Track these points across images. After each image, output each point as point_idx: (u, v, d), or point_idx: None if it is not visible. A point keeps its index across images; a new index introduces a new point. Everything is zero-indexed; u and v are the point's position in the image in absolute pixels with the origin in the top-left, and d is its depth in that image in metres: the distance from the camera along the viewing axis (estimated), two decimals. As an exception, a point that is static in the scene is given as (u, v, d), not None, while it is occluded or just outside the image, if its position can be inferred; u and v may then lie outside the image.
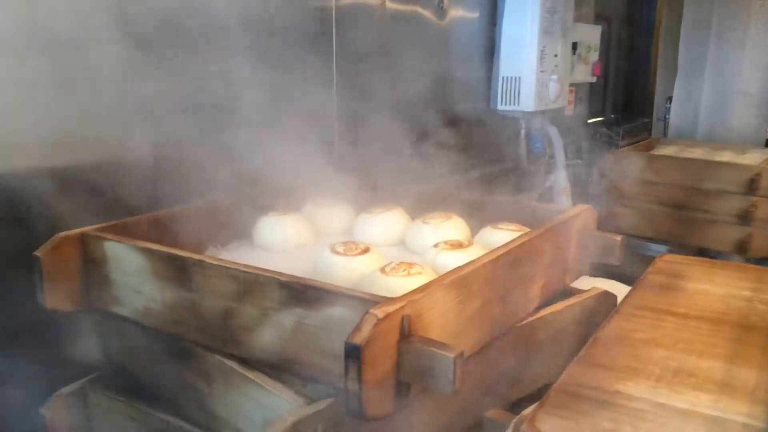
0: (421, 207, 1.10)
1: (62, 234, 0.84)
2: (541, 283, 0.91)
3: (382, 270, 0.82)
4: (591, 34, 2.20)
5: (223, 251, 1.02)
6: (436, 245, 0.93)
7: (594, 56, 2.23)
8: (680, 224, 2.13)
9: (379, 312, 0.60)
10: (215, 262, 0.75)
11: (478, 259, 0.77)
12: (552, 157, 2.05)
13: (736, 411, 0.60)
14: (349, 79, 1.36)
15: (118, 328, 0.86)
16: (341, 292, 0.67)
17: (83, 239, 0.85)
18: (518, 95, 1.82)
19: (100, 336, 0.88)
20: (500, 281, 0.80)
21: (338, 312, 0.66)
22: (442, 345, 0.62)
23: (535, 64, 1.79)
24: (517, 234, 0.93)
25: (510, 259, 0.82)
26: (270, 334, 0.72)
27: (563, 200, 2.05)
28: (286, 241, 1.03)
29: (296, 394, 0.69)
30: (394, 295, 0.65)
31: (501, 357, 0.83)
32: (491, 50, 1.85)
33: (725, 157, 2.27)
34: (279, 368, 0.72)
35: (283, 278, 0.70)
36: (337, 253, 0.89)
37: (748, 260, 2.02)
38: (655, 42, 2.92)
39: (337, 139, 1.35)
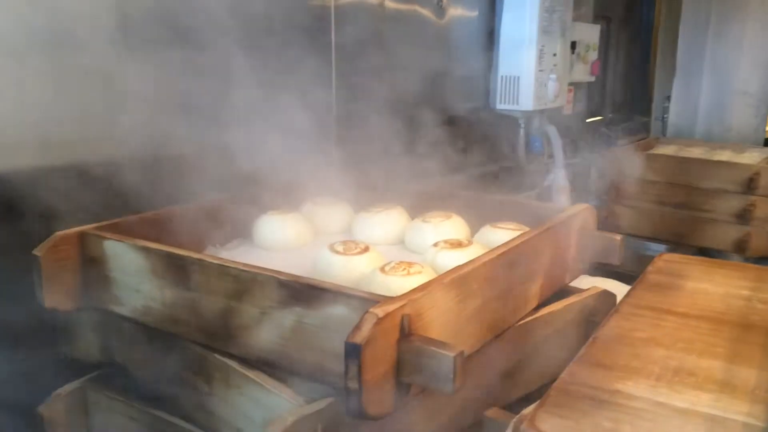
0: (420, 206, 1.10)
1: (61, 233, 0.84)
2: (541, 283, 0.91)
3: (382, 269, 0.82)
4: (590, 34, 2.20)
5: (222, 250, 1.02)
6: (435, 244, 0.93)
7: (593, 55, 2.23)
8: (679, 223, 2.13)
9: (379, 311, 0.60)
10: (215, 261, 0.75)
11: (478, 258, 0.77)
12: (551, 156, 2.05)
13: (736, 410, 0.59)
14: (347, 78, 1.36)
15: (118, 327, 0.86)
16: (341, 292, 0.67)
17: (82, 238, 0.85)
18: (517, 94, 1.82)
19: (99, 335, 0.88)
20: (500, 280, 0.80)
21: (338, 311, 0.66)
22: (442, 344, 0.62)
23: (534, 63, 1.79)
24: (517, 233, 0.93)
25: (510, 259, 0.82)
26: (270, 333, 0.71)
27: (562, 199, 2.05)
28: (285, 240, 1.03)
29: (296, 394, 0.69)
30: (393, 295, 0.65)
31: (500, 356, 0.83)
32: (490, 49, 1.85)
33: (724, 156, 2.27)
34: (279, 367, 0.72)
35: (282, 277, 0.70)
36: (337, 252, 0.89)
37: (747, 259, 2.02)
38: (654, 41, 2.92)
39: (335, 138, 1.35)
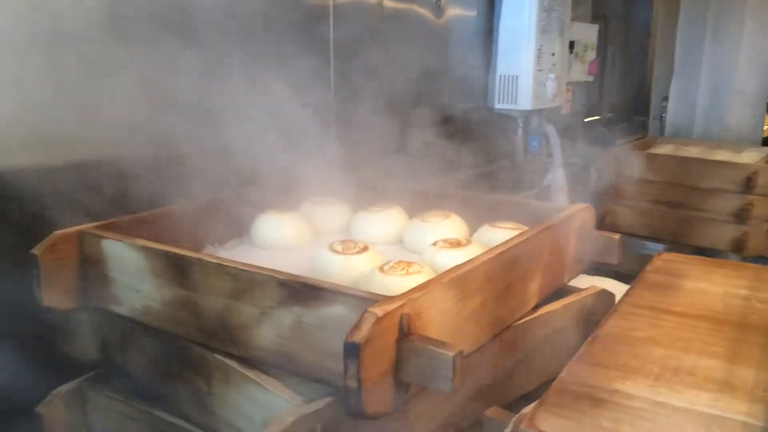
0: (419, 205, 1.10)
1: (60, 232, 0.83)
2: (540, 282, 0.91)
3: (381, 269, 0.82)
4: (588, 33, 2.20)
5: (220, 250, 1.02)
6: (434, 244, 0.93)
7: (591, 55, 2.23)
8: (677, 223, 2.14)
9: (379, 310, 0.60)
10: (214, 261, 0.75)
11: (477, 257, 0.77)
12: (549, 155, 2.05)
13: (735, 410, 0.60)
14: (346, 77, 1.36)
15: (116, 326, 0.86)
16: (340, 291, 0.67)
17: (81, 237, 0.85)
18: (515, 94, 1.82)
19: (97, 334, 0.88)
20: (499, 280, 0.80)
21: (337, 311, 0.66)
22: (441, 344, 0.62)
23: (532, 62, 1.79)
24: (516, 233, 0.93)
25: (508, 258, 0.82)
26: (269, 332, 0.71)
27: (560, 199, 2.05)
28: (284, 239, 1.03)
29: (295, 393, 0.68)
30: (392, 294, 0.65)
31: (499, 355, 0.83)
32: (489, 49, 1.85)
33: (722, 155, 2.27)
34: (278, 367, 0.72)
35: (281, 277, 0.70)
36: (336, 251, 0.89)
37: (745, 258, 2.02)
38: (652, 41, 2.92)
39: (334, 138, 1.35)
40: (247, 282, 0.72)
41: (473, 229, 1.05)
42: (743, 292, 0.86)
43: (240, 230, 1.06)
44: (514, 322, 0.85)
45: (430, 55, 1.64)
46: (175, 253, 0.78)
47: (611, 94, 2.73)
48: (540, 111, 1.92)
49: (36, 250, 0.81)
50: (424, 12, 1.60)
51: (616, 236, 1.00)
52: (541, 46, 1.80)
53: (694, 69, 2.64)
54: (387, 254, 0.92)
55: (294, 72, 1.17)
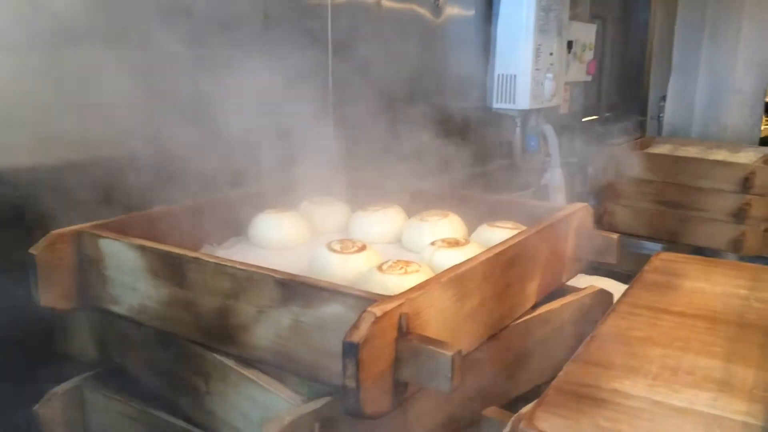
0: (417, 205, 1.10)
1: (57, 231, 0.83)
2: (538, 281, 0.90)
3: (379, 268, 0.82)
4: (586, 33, 2.20)
5: (218, 249, 1.01)
6: (432, 243, 0.93)
7: (589, 55, 2.23)
8: (674, 222, 2.14)
9: (377, 310, 0.60)
10: (211, 260, 0.75)
11: (476, 257, 0.77)
12: (547, 155, 2.05)
13: (735, 409, 0.60)
14: (344, 77, 1.36)
15: (114, 326, 0.85)
16: (339, 290, 0.66)
17: (78, 237, 0.84)
18: (514, 93, 1.82)
19: (95, 334, 0.88)
20: (497, 279, 0.80)
21: (336, 310, 0.66)
22: (440, 343, 0.62)
23: (530, 62, 1.79)
24: (514, 232, 0.93)
25: (507, 258, 0.82)
26: (267, 332, 0.71)
27: (558, 198, 2.05)
28: (282, 238, 1.03)
29: (293, 393, 0.68)
30: (391, 294, 0.65)
31: (498, 355, 0.83)
32: (487, 48, 1.85)
33: (719, 155, 2.28)
34: (276, 366, 0.72)
35: (279, 276, 0.70)
36: (334, 251, 0.89)
37: (742, 258, 2.02)
38: (650, 41, 2.92)
39: (332, 137, 1.35)
40: (245, 281, 0.72)
41: (471, 228, 1.05)
42: (742, 291, 0.86)
43: (238, 229, 1.06)
44: (513, 321, 0.85)
45: (428, 54, 1.64)
46: (172, 253, 0.77)
47: (609, 93, 2.73)
48: (538, 110, 1.92)
49: (33, 250, 0.81)
50: (423, 11, 1.59)
51: (615, 236, 1.00)
52: (539, 45, 1.80)
53: (691, 69, 2.64)
54: (385, 254, 0.92)
55: (292, 72, 1.17)
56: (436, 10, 1.64)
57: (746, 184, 1.99)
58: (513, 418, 0.60)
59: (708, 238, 2.10)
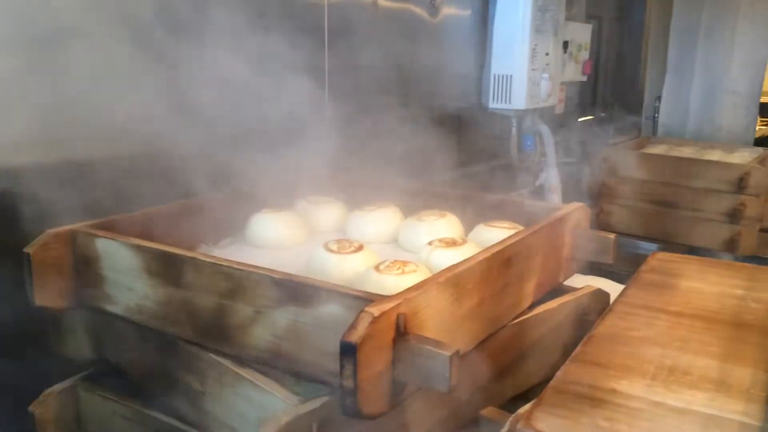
0: (414, 204, 1.10)
1: (52, 231, 0.83)
2: (535, 281, 0.90)
3: (377, 268, 0.82)
4: (582, 33, 2.20)
5: (214, 249, 1.01)
6: (430, 243, 0.93)
7: (585, 55, 2.23)
8: (670, 222, 2.14)
9: (375, 310, 0.60)
10: (208, 260, 0.75)
11: (473, 257, 0.77)
12: (543, 155, 2.05)
13: (732, 409, 0.60)
14: (340, 76, 1.36)
15: (110, 325, 0.85)
16: (336, 290, 0.66)
17: (74, 236, 0.84)
18: (510, 93, 1.82)
19: (91, 334, 0.87)
20: (495, 279, 0.80)
21: (333, 310, 0.66)
22: (438, 343, 0.62)
23: (526, 62, 1.79)
24: (511, 232, 0.93)
25: (504, 257, 0.82)
26: (264, 332, 0.71)
27: (554, 198, 2.06)
28: (278, 238, 1.03)
29: (290, 393, 0.68)
30: (388, 294, 0.65)
31: (495, 355, 0.83)
32: (483, 48, 1.85)
33: (714, 155, 2.28)
34: (273, 366, 0.71)
35: (277, 276, 0.69)
36: (331, 251, 0.88)
37: (737, 258, 2.03)
38: (645, 41, 2.92)
39: (328, 137, 1.34)
40: (243, 281, 0.71)
41: (468, 228, 1.04)
42: (738, 291, 0.86)
43: (234, 229, 1.05)
44: (510, 321, 0.85)
45: (424, 54, 1.64)
46: (169, 252, 0.77)
47: (604, 94, 2.73)
48: (534, 110, 1.92)
49: (29, 249, 0.80)
50: (419, 11, 1.59)
51: (612, 236, 1.00)
52: (535, 45, 1.80)
53: (686, 69, 2.65)
54: (382, 253, 0.92)
55: (288, 71, 1.17)
56: (433, 10, 1.64)
57: (741, 184, 2.00)
58: (511, 418, 0.60)
59: (703, 238, 2.10)
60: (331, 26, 1.33)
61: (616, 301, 0.84)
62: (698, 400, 0.61)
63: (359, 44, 1.39)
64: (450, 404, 0.76)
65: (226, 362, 0.73)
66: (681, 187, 2.11)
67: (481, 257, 0.77)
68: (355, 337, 0.58)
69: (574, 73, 2.19)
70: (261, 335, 0.71)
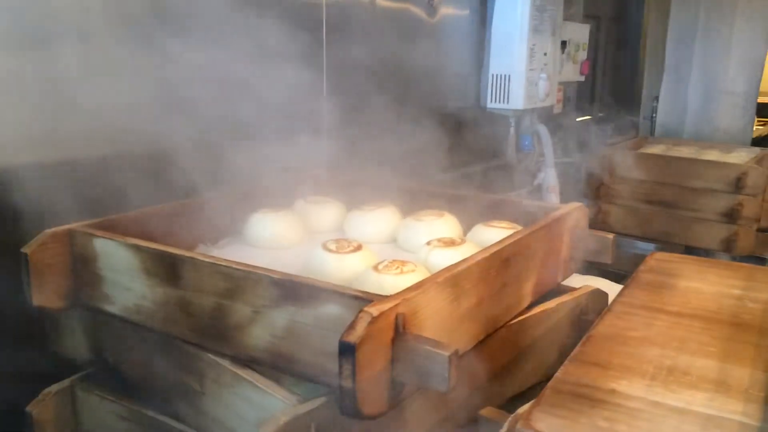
0: (412, 204, 1.10)
1: (50, 230, 0.82)
2: (534, 281, 0.90)
3: (375, 268, 0.82)
4: (580, 33, 2.20)
5: (213, 248, 1.01)
6: (428, 243, 0.93)
7: (582, 55, 2.23)
8: (667, 222, 2.14)
9: (374, 310, 0.60)
10: (206, 260, 0.74)
11: (472, 257, 0.77)
12: (541, 155, 2.05)
13: (731, 409, 0.60)
14: (339, 76, 1.35)
15: (108, 325, 0.85)
16: (335, 290, 0.66)
17: (72, 236, 0.84)
18: (508, 93, 1.82)
19: (89, 333, 0.87)
20: (493, 279, 0.80)
21: (332, 310, 0.66)
22: (437, 343, 0.62)
23: (524, 62, 1.79)
24: (509, 232, 0.93)
25: (503, 257, 0.82)
26: (262, 332, 0.71)
27: (552, 198, 2.06)
28: (277, 238, 1.03)
29: (289, 393, 0.68)
30: (387, 293, 0.65)
31: (494, 355, 0.83)
32: (481, 48, 1.85)
33: (712, 155, 2.28)
34: (272, 367, 0.71)
35: (276, 276, 0.69)
36: (330, 250, 0.88)
37: (734, 258, 2.03)
38: (643, 41, 2.93)
39: (327, 137, 1.34)
40: (241, 281, 0.71)
41: (467, 228, 1.04)
42: (737, 291, 0.86)
43: (233, 229, 1.05)
44: (509, 321, 0.85)
45: (422, 54, 1.64)
46: (167, 252, 0.77)
47: (602, 93, 2.74)
48: (532, 110, 1.92)
49: (26, 249, 0.80)
50: (417, 11, 1.59)
51: (610, 236, 1.00)
52: (533, 45, 1.80)
53: (684, 69, 2.65)
54: (381, 253, 0.92)
55: (286, 70, 1.17)
56: (431, 9, 1.63)
57: (739, 184, 2.00)
58: (510, 419, 0.60)
59: (700, 238, 2.10)
60: (330, 26, 1.32)
61: (614, 301, 0.84)
62: (697, 401, 0.61)
63: (357, 44, 1.38)
64: (449, 404, 0.76)
65: (225, 362, 0.73)
66: (679, 186, 2.11)
67: (479, 257, 0.77)
68: (354, 337, 0.58)
69: (572, 73, 2.20)
70: (260, 335, 0.71)
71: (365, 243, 0.92)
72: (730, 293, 0.86)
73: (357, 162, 1.22)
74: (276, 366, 0.71)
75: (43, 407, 0.86)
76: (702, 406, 0.60)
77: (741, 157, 2.27)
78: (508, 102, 1.83)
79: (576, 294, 0.95)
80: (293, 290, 0.68)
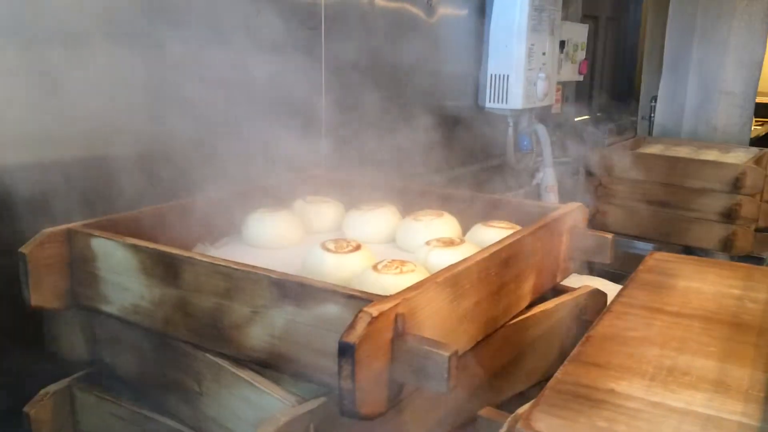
0: (411, 204, 1.10)
1: (48, 230, 0.82)
2: (533, 281, 0.90)
3: (375, 268, 0.82)
4: (578, 33, 2.20)
5: (211, 248, 1.01)
6: (427, 243, 0.92)
7: (581, 55, 2.23)
8: (666, 222, 2.15)
9: (374, 310, 0.60)
10: (205, 260, 0.74)
11: (471, 257, 0.77)
12: (539, 154, 2.05)
13: (731, 410, 0.59)
14: (337, 76, 1.35)
15: (106, 325, 0.85)
16: (334, 290, 0.66)
17: (70, 235, 0.84)
18: (506, 93, 1.82)
19: (86, 334, 0.87)
20: (493, 279, 0.80)
21: (331, 310, 0.66)
22: (436, 343, 0.62)
23: (523, 61, 1.79)
24: (509, 232, 0.93)
25: (503, 257, 0.81)
26: (261, 332, 0.71)
27: (551, 198, 2.06)
28: (275, 238, 1.03)
29: (288, 393, 0.68)
30: (386, 293, 0.65)
31: (493, 355, 0.83)
32: (480, 48, 1.84)
33: (710, 155, 2.29)
34: (270, 367, 0.71)
35: (275, 276, 0.69)
36: (329, 250, 0.88)
37: (732, 258, 2.03)
38: (641, 41, 2.93)
39: (325, 137, 1.34)
40: (240, 281, 0.71)
41: (466, 228, 1.04)
42: (736, 291, 0.86)
43: (231, 229, 1.05)
44: (508, 321, 0.85)
45: (421, 54, 1.64)
46: (165, 252, 0.77)
47: (600, 93, 2.74)
48: (530, 110, 1.92)
49: (24, 249, 0.80)
50: (416, 11, 1.59)
51: (609, 236, 1.00)
52: (531, 45, 1.80)
53: (682, 69, 2.65)
54: (380, 253, 0.92)
55: (285, 71, 1.17)
56: (429, 9, 1.63)
57: (737, 184, 2.00)
58: (509, 419, 0.60)
59: (699, 237, 2.10)
60: (328, 25, 1.32)
61: (614, 301, 0.83)
62: (697, 401, 0.61)
63: (355, 44, 1.38)
64: (448, 404, 0.76)
65: (223, 363, 0.73)
66: (677, 186, 2.11)
67: (479, 257, 0.77)
68: (353, 338, 0.58)
69: (571, 72, 2.20)
70: (258, 335, 0.71)
71: (364, 243, 0.92)
72: (729, 293, 0.86)
73: (356, 162, 1.22)
74: (275, 366, 0.71)
75: (40, 407, 0.86)
76: (702, 406, 0.60)
77: (739, 157, 2.27)
78: (506, 102, 1.83)
79: (575, 294, 0.95)
80: (292, 290, 0.68)
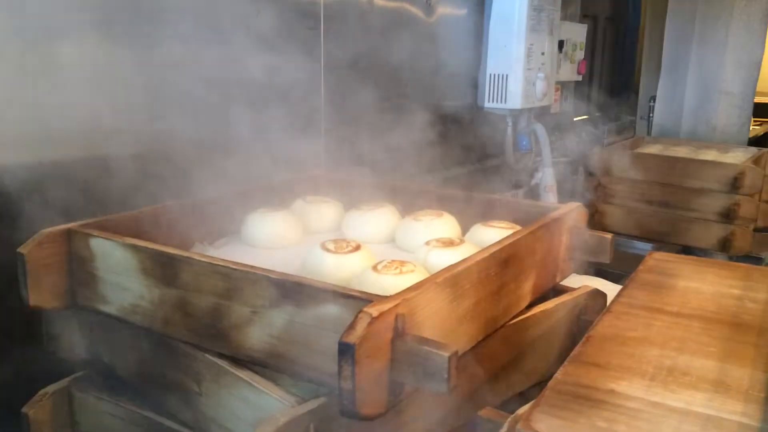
0: (410, 204, 1.10)
1: (47, 230, 0.82)
2: (533, 281, 0.90)
3: (374, 268, 0.81)
4: (577, 33, 2.20)
5: (210, 248, 1.00)
6: (427, 243, 0.92)
7: (580, 54, 2.23)
8: (664, 222, 2.15)
9: (374, 310, 0.60)
10: (204, 260, 0.74)
11: (471, 257, 0.77)
12: (538, 154, 2.05)
13: (731, 410, 0.59)
14: (336, 76, 1.35)
15: (104, 325, 0.84)
16: (334, 290, 0.66)
17: (68, 235, 0.83)
18: (505, 93, 1.82)
19: (85, 334, 0.87)
20: (493, 279, 0.79)
21: (331, 310, 0.66)
22: (436, 344, 0.61)
23: (522, 61, 1.79)
24: (508, 232, 0.93)
25: (502, 257, 0.81)
26: (261, 332, 0.71)
27: (550, 197, 2.06)
28: (275, 238, 1.02)
29: (287, 393, 0.68)
30: (386, 294, 0.65)
31: (493, 355, 0.82)
32: (479, 48, 1.84)
33: (709, 155, 2.29)
34: (270, 367, 0.71)
35: (274, 276, 0.69)
36: (328, 250, 0.88)
37: (731, 258, 2.04)
38: (640, 41, 2.93)
39: (324, 137, 1.34)
40: (239, 281, 0.71)
41: (465, 228, 1.04)
42: (736, 291, 0.86)
43: (231, 229, 1.05)
44: (508, 321, 0.85)
45: (420, 53, 1.63)
46: (164, 252, 0.77)
47: (599, 93, 2.74)
48: (529, 110, 1.92)
49: (22, 249, 0.80)
50: (415, 11, 1.59)
51: (609, 236, 1.00)
52: (530, 45, 1.80)
53: (681, 70, 2.65)
54: (379, 253, 0.92)
55: (283, 70, 1.17)
56: (428, 9, 1.63)
57: (735, 184, 2.01)
58: (510, 419, 0.60)
59: (697, 237, 2.11)
60: (327, 25, 1.32)
61: (614, 301, 0.83)
62: (697, 401, 0.61)
63: (355, 43, 1.38)
64: (448, 404, 0.75)
65: (223, 363, 0.73)
66: (676, 186, 2.11)
67: (478, 257, 0.77)
68: (353, 338, 0.58)
69: (570, 72, 2.20)
70: (258, 336, 0.71)
71: (364, 243, 0.92)
72: (729, 293, 0.86)
73: (355, 161, 1.22)
74: (274, 366, 0.71)
75: (39, 408, 0.85)
76: (702, 406, 0.60)
77: (738, 157, 2.27)
78: (505, 101, 1.83)
79: (575, 294, 0.95)
80: (292, 290, 0.68)
